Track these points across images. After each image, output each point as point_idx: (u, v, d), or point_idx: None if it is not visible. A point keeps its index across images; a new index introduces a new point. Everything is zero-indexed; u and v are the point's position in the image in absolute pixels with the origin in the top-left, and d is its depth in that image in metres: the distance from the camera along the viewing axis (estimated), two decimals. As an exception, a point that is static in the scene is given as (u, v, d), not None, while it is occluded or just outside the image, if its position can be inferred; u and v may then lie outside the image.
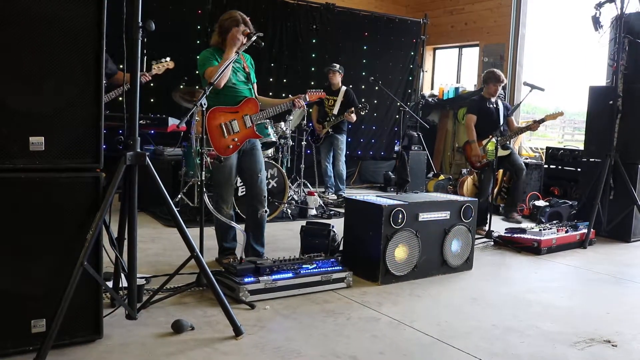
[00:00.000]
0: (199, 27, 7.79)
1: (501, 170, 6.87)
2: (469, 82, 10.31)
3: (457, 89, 10.22)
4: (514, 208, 6.47)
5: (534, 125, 6.14)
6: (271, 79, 8.63)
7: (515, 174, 6.33)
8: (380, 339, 3.00)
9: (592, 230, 5.55)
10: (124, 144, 2.79)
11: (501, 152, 6.11)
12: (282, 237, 5.38)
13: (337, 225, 4.58)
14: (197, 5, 7.78)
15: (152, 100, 7.36)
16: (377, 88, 8.59)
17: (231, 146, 4.11)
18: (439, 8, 10.48)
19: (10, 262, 2.50)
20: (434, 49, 11.08)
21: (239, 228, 4.09)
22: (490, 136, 5.97)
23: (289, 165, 6.82)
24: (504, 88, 6.90)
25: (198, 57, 4.14)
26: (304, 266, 3.72)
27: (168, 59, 5.54)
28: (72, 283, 2.47)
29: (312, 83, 8.56)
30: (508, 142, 6.20)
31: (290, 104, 4.43)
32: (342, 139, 7.84)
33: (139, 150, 2.79)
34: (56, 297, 2.47)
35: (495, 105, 6.18)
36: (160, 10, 7.30)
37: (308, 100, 4.59)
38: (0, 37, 2.42)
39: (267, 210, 4.36)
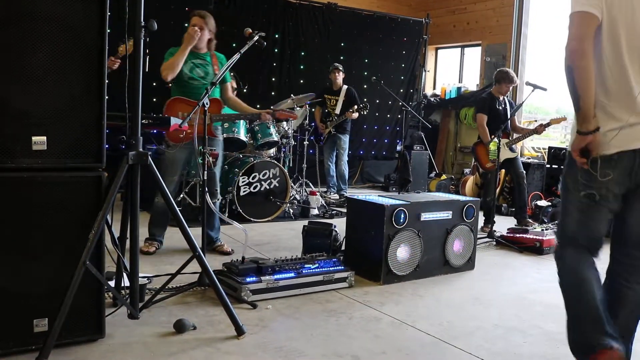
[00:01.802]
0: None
1: (503, 170, 6.86)
2: (471, 82, 10.31)
3: (459, 88, 10.21)
4: (524, 214, 6.42)
5: (539, 129, 6.13)
6: (273, 79, 8.64)
7: (517, 181, 6.31)
8: (382, 338, 3.00)
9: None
10: (126, 143, 2.79)
11: (508, 154, 6.10)
12: (284, 237, 5.38)
13: (339, 225, 4.58)
14: (199, 5, 7.77)
15: (154, 99, 7.36)
16: (379, 88, 8.58)
17: (181, 136, 4.26)
18: (441, 8, 10.48)
19: (12, 262, 2.50)
20: (436, 49, 11.07)
21: (240, 227, 4.09)
22: (492, 136, 5.96)
23: (291, 165, 6.82)
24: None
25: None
26: (306, 266, 3.72)
27: (131, 38, 5.49)
28: (74, 282, 2.47)
29: (314, 83, 8.56)
30: (514, 145, 6.20)
31: (256, 115, 4.68)
32: (345, 138, 7.84)
33: (141, 149, 2.79)
34: (58, 296, 2.47)
35: (504, 105, 6.17)
36: (162, 10, 7.30)
37: (276, 117, 4.89)
38: (2, 37, 2.42)
39: (220, 198, 4.80)
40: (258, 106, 8.16)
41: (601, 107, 2.25)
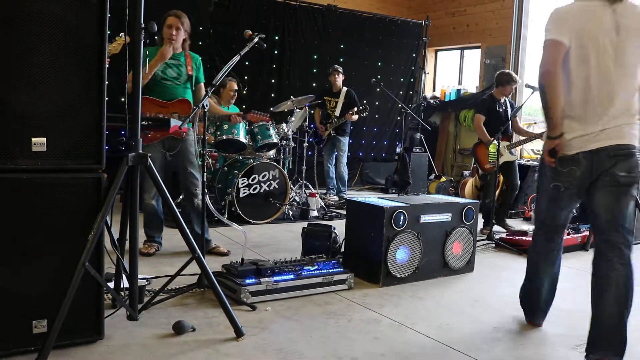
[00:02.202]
0: (200, 28, 7.78)
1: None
2: (471, 84, 10.31)
3: (458, 90, 10.21)
4: (504, 218, 6.47)
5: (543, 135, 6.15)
6: (273, 80, 8.64)
7: (510, 188, 6.32)
8: (381, 340, 3.00)
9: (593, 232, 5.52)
10: (125, 144, 2.79)
11: (507, 157, 6.11)
12: (284, 239, 5.38)
13: (339, 227, 4.58)
14: (199, 7, 7.79)
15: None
16: (378, 90, 8.58)
17: (149, 135, 4.22)
18: (440, 10, 10.48)
19: (11, 263, 2.50)
20: (436, 51, 11.08)
21: (240, 229, 4.09)
22: (492, 138, 5.97)
23: (290, 167, 6.82)
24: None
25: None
26: (305, 268, 3.72)
27: (122, 34, 5.49)
28: (73, 284, 2.47)
29: (314, 85, 8.57)
30: (513, 149, 6.21)
31: (227, 117, 4.90)
32: (345, 140, 7.84)
33: (140, 151, 2.79)
34: (58, 297, 2.47)
35: (504, 107, 6.17)
36: (162, 11, 7.29)
37: (247, 119, 5.08)
38: (2, 38, 2.42)
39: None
40: (257, 108, 8.21)
41: (570, 119, 2.78)
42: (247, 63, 8.06)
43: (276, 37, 8.55)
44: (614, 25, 2.71)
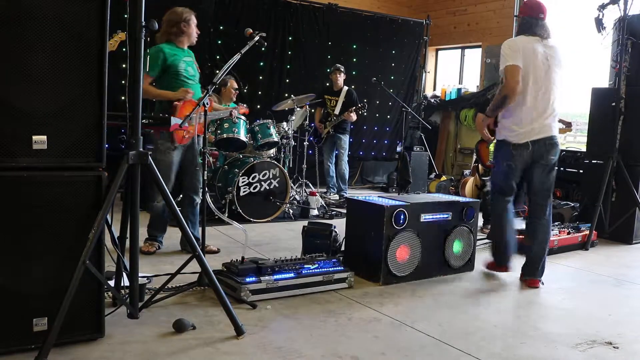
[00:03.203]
0: (201, 26, 7.76)
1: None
2: (472, 83, 10.31)
3: (459, 90, 10.21)
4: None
5: None
6: (273, 79, 8.64)
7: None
8: (381, 339, 3.00)
9: (594, 232, 5.54)
10: (126, 143, 2.80)
11: None
12: (284, 237, 5.38)
13: (339, 226, 4.58)
14: (199, 5, 7.77)
15: (153, 99, 7.36)
16: (379, 88, 8.58)
17: (186, 137, 4.24)
18: (441, 9, 10.48)
19: (12, 261, 2.51)
20: (437, 50, 11.07)
21: (240, 227, 4.09)
22: (493, 137, 5.96)
23: (290, 166, 6.82)
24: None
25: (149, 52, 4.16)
26: (305, 266, 3.72)
27: (119, 31, 5.47)
28: (74, 282, 2.48)
29: (315, 83, 8.56)
30: None
31: (226, 113, 5.09)
32: (345, 139, 7.83)
33: (141, 149, 2.79)
34: (58, 295, 2.47)
35: None
36: (163, 9, 7.29)
37: (237, 113, 5.32)
38: (3, 36, 2.42)
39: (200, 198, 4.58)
40: (258, 107, 8.22)
41: (521, 118, 3.96)
42: (247, 61, 8.05)
43: (277, 36, 8.54)
44: (545, 56, 3.97)
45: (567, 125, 6.13)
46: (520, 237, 5.29)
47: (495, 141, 5.89)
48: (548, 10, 4.10)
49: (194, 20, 4.37)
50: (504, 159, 4.07)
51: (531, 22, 4.04)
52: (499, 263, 4.30)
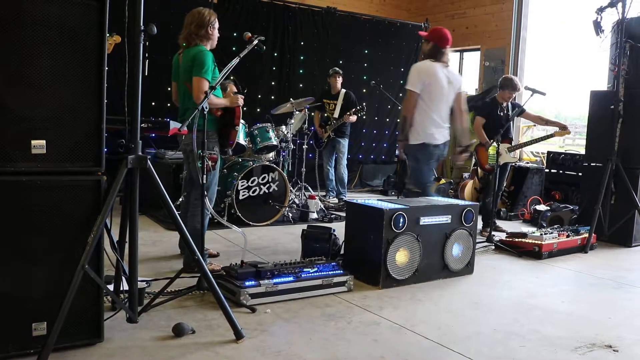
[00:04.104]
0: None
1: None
2: (470, 86, 10.32)
3: (458, 93, 10.20)
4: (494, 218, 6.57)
5: (543, 138, 6.34)
6: (273, 83, 8.65)
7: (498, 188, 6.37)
8: (381, 343, 3.00)
9: (593, 234, 5.54)
10: (125, 147, 2.79)
11: (507, 159, 6.13)
12: (283, 241, 5.38)
13: (338, 229, 4.58)
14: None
15: (153, 103, 7.37)
16: (378, 92, 8.60)
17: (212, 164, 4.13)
18: (440, 12, 10.50)
19: (11, 265, 2.51)
20: (435, 53, 11.07)
21: (239, 231, 4.09)
22: (492, 140, 5.98)
23: (290, 169, 6.83)
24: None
25: (201, 55, 4.01)
26: (305, 270, 3.72)
27: (114, 33, 5.46)
28: (73, 286, 2.47)
29: (313, 87, 8.58)
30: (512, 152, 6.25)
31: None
32: (345, 142, 7.83)
33: (140, 153, 2.79)
34: (57, 300, 2.47)
35: (506, 111, 6.19)
36: (162, 12, 7.31)
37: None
38: (2, 40, 2.42)
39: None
40: (257, 110, 8.23)
41: (434, 125, 4.79)
42: (247, 65, 8.06)
43: (276, 40, 8.55)
44: (447, 79, 4.81)
45: (563, 128, 6.15)
46: (520, 240, 5.32)
47: (493, 145, 5.97)
48: (451, 40, 4.91)
49: (217, 24, 4.17)
50: (423, 159, 4.89)
51: (438, 50, 4.84)
52: None
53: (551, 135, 6.27)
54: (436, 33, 4.90)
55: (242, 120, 5.65)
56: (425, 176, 4.93)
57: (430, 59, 4.81)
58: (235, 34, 7.62)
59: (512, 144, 6.28)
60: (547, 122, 6.44)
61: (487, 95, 8.72)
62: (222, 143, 4.22)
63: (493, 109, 6.20)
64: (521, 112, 6.27)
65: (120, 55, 2.88)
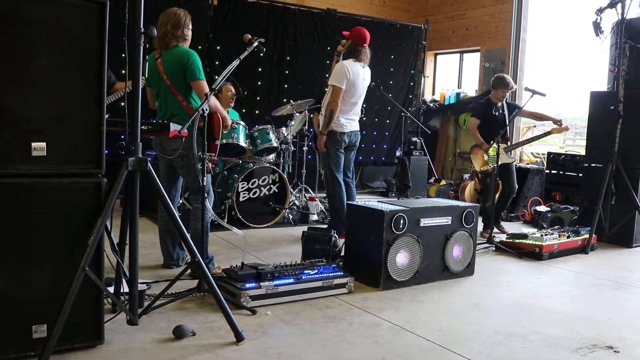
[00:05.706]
0: (200, 32, 7.78)
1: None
2: (470, 88, 10.32)
3: (458, 94, 10.22)
4: (500, 219, 6.51)
5: (540, 136, 6.32)
6: (272, 84, 8.64)
7: (507, 192, 6.33)
8: (381, 344, 3.00)
9: (593, 235, 5.54)
10: (125, 149, 2.80)
11: (505, 159, 6.12)
12: (284, 243, 5.38)
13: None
14: (198, 10, 7.78)
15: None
16: (378, 93, 8.56)
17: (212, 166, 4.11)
18: (440, 13, 10.50)
19: (11, 268, 2.50)
20: (435, 55, 11.09)
21: (240, 233, 4.09)
22: (492, 142, 5.98)
23: (290, 171, 6.82)
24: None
25: (191, 57, 3.97)
26: (305, 272, 3.72)
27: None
28: (73, 288, 2.47)
29: (314, 88, 8.57)
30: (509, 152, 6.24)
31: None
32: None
33: (140, 155, 2.79)
34: (57, 302, 2.47)
35: (501, 111, 6.18)
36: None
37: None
38: (2, 42, 2.42)
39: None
40: (257, 112, 8.23)
41: (346, 117, 5.40)
42: (247, 67, 8.06)
43: (276, 42, 8.55)
44: (363, 76, 5.43)
45: (556, 122, 6.12)
46: (521, 241, 5.32)
47: (493, 146, 5.97)
48: (369, 38, 5.45)
49: (191, 25, 4.14)
50: (333, 149, 5.38)
51: (357, 49, 5.37)
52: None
53: (549, 133, 6.24)
54: (355, 32, 5.45)
55: (242, 122, 5.67)
56: (333, 161, 5.41)
57: (352, 58, 5.37)
58: (235, 36, 7.62)
59: (509, 144, 6.26)
60: (541, 118, 6.42)
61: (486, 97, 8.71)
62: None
63: (488, 109, 6.20)
64: (516, 114, 6.27)
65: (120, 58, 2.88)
